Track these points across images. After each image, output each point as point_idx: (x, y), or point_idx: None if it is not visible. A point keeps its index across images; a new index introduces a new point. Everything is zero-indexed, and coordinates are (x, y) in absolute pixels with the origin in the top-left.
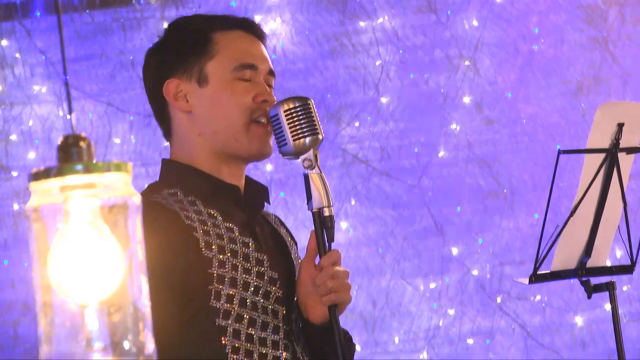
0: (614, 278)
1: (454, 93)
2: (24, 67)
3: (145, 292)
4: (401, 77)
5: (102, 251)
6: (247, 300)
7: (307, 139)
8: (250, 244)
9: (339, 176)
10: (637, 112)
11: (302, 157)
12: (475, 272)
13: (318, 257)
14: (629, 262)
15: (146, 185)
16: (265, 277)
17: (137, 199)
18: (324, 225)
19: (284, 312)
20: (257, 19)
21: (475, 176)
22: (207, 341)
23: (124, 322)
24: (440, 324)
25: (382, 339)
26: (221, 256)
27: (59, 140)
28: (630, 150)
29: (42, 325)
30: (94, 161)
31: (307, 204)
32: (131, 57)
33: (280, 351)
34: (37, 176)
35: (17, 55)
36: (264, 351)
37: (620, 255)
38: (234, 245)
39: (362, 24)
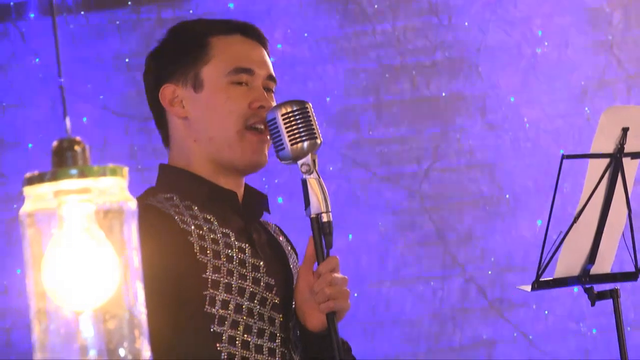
0: (618, 285)
1: (455, 97)
2: (18, 70)
3: (141, 299)
4: (402, 81)
5: (97, 257)
6: (243, 307)
7: (305, 144)
8: (246, 249)
9: (338, 181)
10: None
11: (300, 161)
12: (476, 279)
13: (316, 263)
14: (633, 269)
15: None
16: (262, 283)
17: (132, 204)
18: (322, 231)
19: (281, 319)
20: (255, 21)
21: (477, 181)
22: (202, 347)
23: (120, 329)
24: (441, 331)
25: (382, 347)
26: (216, 261)
27: (53, 144)
28: (635, 155)
29: (36, 333)
30: (89, 165)
31: (305, 209)
32: (127, 60)
33: (277, 359)
34: (30, 181)
35: (11, 57)
36: (259, 358)
37: (624, 262)
38: (229, 251)
39: (362, 26)
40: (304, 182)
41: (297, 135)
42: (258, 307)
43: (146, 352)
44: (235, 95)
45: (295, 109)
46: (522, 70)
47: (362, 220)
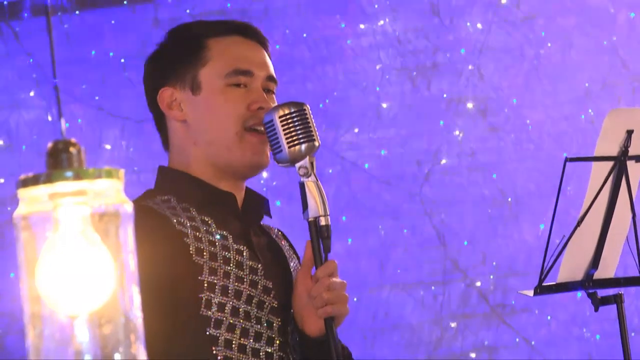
0: (622, 290)
1: (457, 98)
2: (11, 70)
3: (137, 303)
4: (402, 82)
5: (93, 261)
6: (240, 310)
7: (303, 146)
8: (244, 252)
9: (337, 184)
10: None
11: (298, 164)
12: (478, 284)
13: (314, 268)
14: (637, 274)
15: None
16: (259, 286)
17: (128, 207)
18: (320, 235)
19: (279, 323)
20: (252, 21)
21: (479, 185)
22: (198, 351)
23: (115, 334)
24: (442, 337)
25: (381, 353)
26: (212, 263)
27: (48, 145)
28: (639, 159)
29: (30, 337)
30: (85, 168)
31: (303, 213)
32: (123, 60)
33: None
34: (25, 183)
35: (4, 57)
36: None
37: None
38: (226, 253)
39: (362, 26)
40: (302, 185)
41: (294, 138)
42: (255, 310)
43: (142, 357)
44: (234, 97)
45: (293, 110)
46: (525, 71)
47: (361, 223)
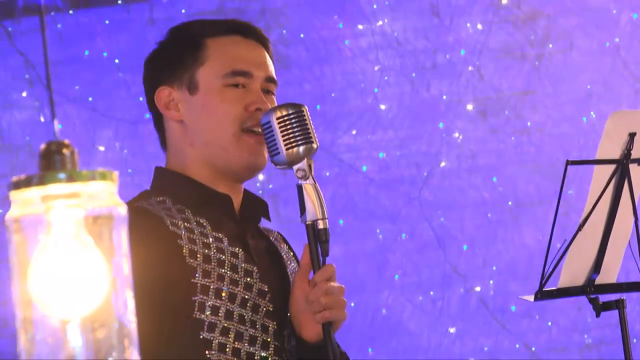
0: (624, 295)
1: (456, 100)
2: (4, 70)
3: (131, 308)
4: (401, 83)
5: (86, 264)
6: (234, 313)
7: (301, 148)
8: (239, 254)
9: (335, 187)
10: None
11: (296, 167)
12: (477, 289)
13: (312, 272)
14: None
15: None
16: (254, 289)
17: (122, 210)
18: (318, 238)
19: (275, 327)
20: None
21: (479, 188)
22: (191, 354)
23: (109, 338)
24: (441, 343)
25: (379, 358)
26: (206, 266)
27: (41, 147)
28: None
29: (22, 342)
30: (78, 169)
31: (301, 216)
32: (117, 60)
33: None
34: (17, 185)
35: None
36: None
37: (630, 271)
38: (221, 255)
39: (360, 27)
40: (300, 188)
41: (292, 140)
42: (250, 313)
43: None
44: (231, 97)
45: (290, 112)
46: (526, 73)
47: (359, 227)
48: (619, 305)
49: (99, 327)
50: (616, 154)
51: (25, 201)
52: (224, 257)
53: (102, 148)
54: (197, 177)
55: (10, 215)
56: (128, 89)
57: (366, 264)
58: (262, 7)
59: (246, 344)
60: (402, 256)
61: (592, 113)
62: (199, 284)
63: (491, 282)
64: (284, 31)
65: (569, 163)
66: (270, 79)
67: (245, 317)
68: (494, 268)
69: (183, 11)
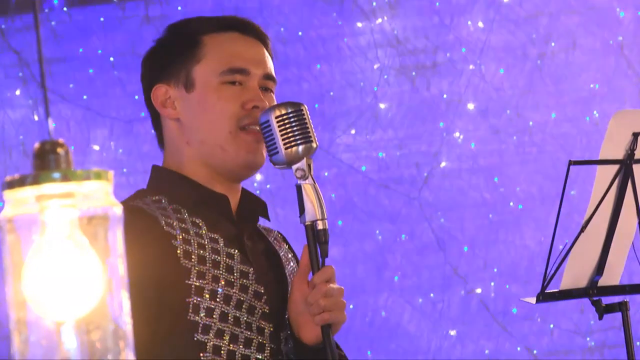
0: (628, 298)
1: (457, 99)
2: None
3: (127, 309)
4: (401, 82)
5: (81, 265)
6: (229, 315)
7: (300, 147)
8: (235, 255)
9: (334, 187)
10: None
11: (295, 166)
12: (478, 291)
13: (311, 273)
14: None
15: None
16: (250, 291)
17: (118, 210)
18: (317, 239)
19: (271, 329)
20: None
21: (480, 188)
22: (185, 357)
23: (104, 340)
24: (441, 345)
25: None
26: (201, 267)
27: (35, 146)
28: None
29: (16, 344)
30: (73, 169)
31: (300, 216)
32: (112, 59)
33: None
34: (11, 184)
35: None
36: None
37: (634, 273)
38: (216, 257)
39: (359, 25)
40: (299, 188)
41: (291, 139)
42: (246, 315)
43: None
44: (227, 95)
45: (290, 111)
46: (528, 72)
47: (358, 228)
48: (622, 307)
49: (94, 329)
50: (619, 154)
51: (19, 201)
52: (219, 258)
53: (96, 147)
54: (194, 176)
55: (3, 215)
56: (123, 87)
57: (365, 265)
58: (259, 4)
59: (241, 347)
60: (401, 257)
61: (595, 112)
62: (193, 286)
63: (492, 284)
64: (282, 29)
65: (571, 163)
66: (268, 77)
67: (241, 319)
68: (495, 270)
69: (179, 8)
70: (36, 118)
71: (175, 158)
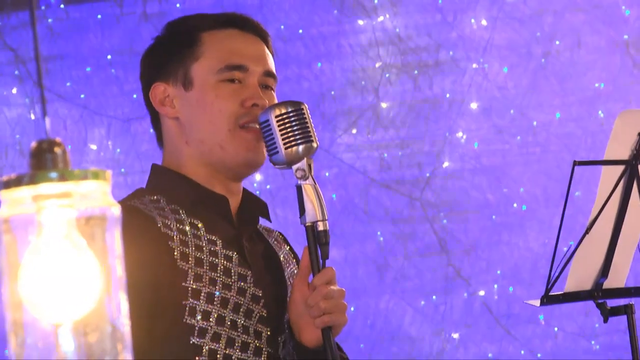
0: (633, 300)
1: (460, 99)
2: None
3: (125, 311)
4: (403, 81)
5: (78, 266)
6: (226, 318)
7: (300, 147)
8: (233, 258)
9: (335, 188)
10: None
11: (295, 166)
12: (481, 293)
13: (311, 275)
14: None
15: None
16: (247, 294)
17: (116, 210)
18: (317, 240)
19: (269, 333)
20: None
21: (483, 189)
22: None
23: (101, 342)
24: (444, 349)
25: None
26: (198, 269)
27: (32, 145)
28: None
29: (12, 346)
30: (70, 168)
31: (300, 217)
32: (109, 57)
33: None
34: (7, 184)
35: None
36: None
37: (639, 275)
38: (214, 259)
39: (360, 22)
40: (299, 189)
41: (291, 139)
42: (243, 319)
43: None
44: (226, 93)
45: (289, 110)
46: (532, 70)
47: (359, 229)
48: (627, 310)
49: (91, 331)
50: (625, 154)
51: (15, 201)
52: (217, 260)
53: (94, 147)
54: (193, 176)
55: None
56: (120, 85)
57: (366, 267)
58: (259, 2)
59: (238, 351)
60: (403, 259)
61: (600, 112)
62: (190, 288)
63: (495, 286)
64: (282, 27)
65: (576, 164)
66: (268, 74)
67: (238, 323)
68: (499, 272)
69: (178, 6)
70: (33, 117)
71: (174, 157)
